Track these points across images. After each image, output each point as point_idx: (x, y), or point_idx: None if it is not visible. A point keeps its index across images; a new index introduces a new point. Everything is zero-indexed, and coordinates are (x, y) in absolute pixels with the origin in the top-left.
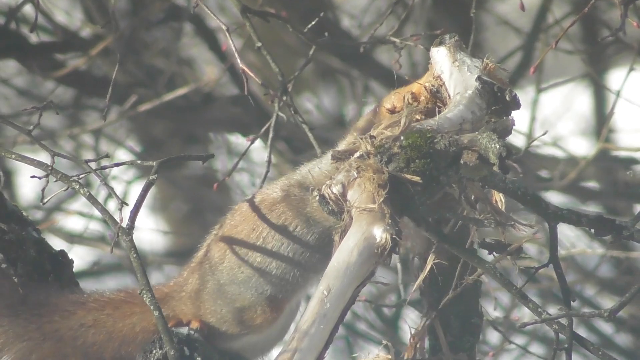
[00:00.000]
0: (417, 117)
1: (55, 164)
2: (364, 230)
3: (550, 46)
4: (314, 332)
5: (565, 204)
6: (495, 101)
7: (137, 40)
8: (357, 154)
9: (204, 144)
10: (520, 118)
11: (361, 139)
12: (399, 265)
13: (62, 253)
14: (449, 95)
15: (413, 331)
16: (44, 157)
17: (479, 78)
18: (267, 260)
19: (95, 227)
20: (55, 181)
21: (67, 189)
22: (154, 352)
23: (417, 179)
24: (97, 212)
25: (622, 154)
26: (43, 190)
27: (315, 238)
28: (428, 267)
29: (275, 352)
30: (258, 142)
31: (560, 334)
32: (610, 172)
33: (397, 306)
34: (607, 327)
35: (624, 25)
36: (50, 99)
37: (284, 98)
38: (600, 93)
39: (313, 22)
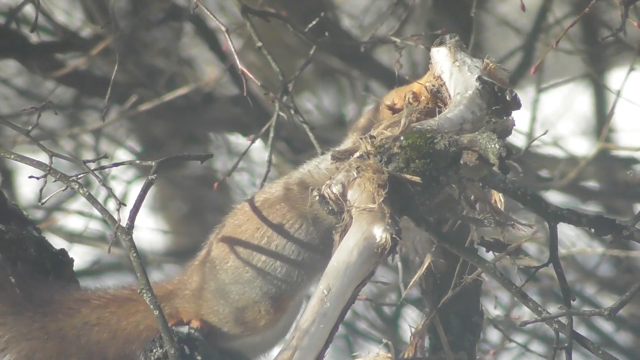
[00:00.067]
0: (417, 116)
1: (54, 164)
2: (364, 230)
3: (551, 46)
4: (314, 331)
5: (565, 204)
6: (496, 101)
7: (137, 40)
8: (357, 154)
9: (204, 144)
10: (520, 118)
11: (361, 139)
12: (399, 265)
13: (63, 252)
14: (449, 95)
15: (413, 330)
16: (44, 157)
17: (479, 78)
18: (272, 260)
19: (95, 226)
20: (55, 181)
21: (66, 188)
22: (154, 350)
23: (417, 179)
24: (96, 212)
25: (622, 153)
26: (41, 190)
27: (319, 236)
28: (425, 265)
29: (276, 350)
30: (258, 142)
31: (560, 333)
32: (610, 172)
33: (397, 305)
34: (607, 326)
35: (625, 25)
36: (49, 99)
37: (285, 98)
38: (600, 93)
39: (313, 22)
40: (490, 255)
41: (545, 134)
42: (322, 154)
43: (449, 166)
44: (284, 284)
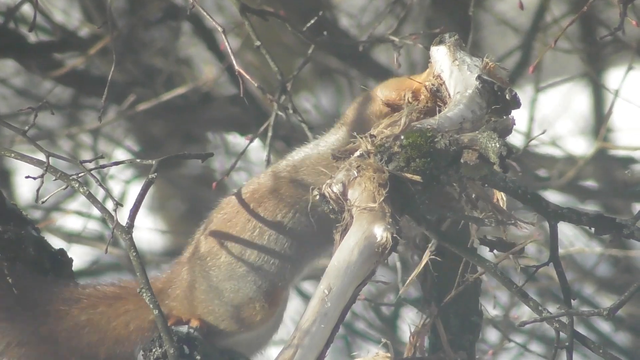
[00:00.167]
0: (416, 115)
1: (52, 164)
2: (364, 229)
3: (549, 45)
4: (315, 330)
5: (564, 204)
6: (496, 100)
7: (135, 39)
8: (357, 153)
9: (202, 144)
10: (519, 117)
11: (361, 138)
12: (398, 265)
13: (62, 252)
14: (449, 94)
15: (413, 329)
16: (42, 157)
17: (479, 77)
18: (265, 252)
19: (93, 226)
20: (55, 180)
21: (66, 187)
22: (154, 350)
23: (417, 178)
24: (95, 212)
25: (621, 153)
26: (38, 189)
27: (311, 224)
28: (423, 263)
29: (274, 351)
30: (256, 142)
31: (560, 332)
32: (609, 171)
33: (396, 305)
34: (605, 326)
35: (623, 24)
36: (46, 99)
37: (283, 97)
38: (598, 92)
39: (312, 22)
40: (488, 255)
41: (543, 133)
42: (314, 138)
43: (449, 165)
44: (277, 276)
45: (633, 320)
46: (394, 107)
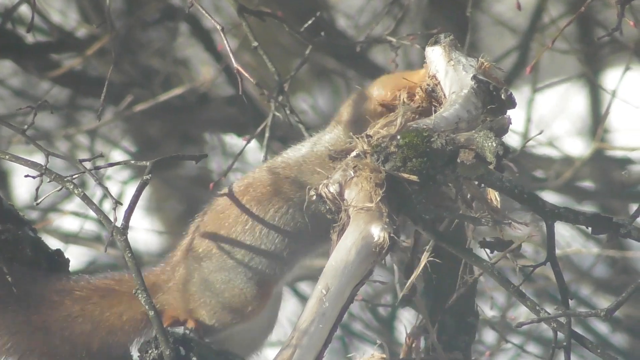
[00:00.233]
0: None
1: (50, 164)
2: (361, 229)
3: (547, 46)
4: (313, 330)
5: (561, 204)
6: (491, 100)
7: (132, 40)
8: (353, 153)
9: (200, 145)
10: (515, 118)
11: (358, 138)
12: (394, 266)
13: (59, 252)
14: (444, 95)
15: (409, 331)
16: (39, 157)
17: (474, 77)
18: (257, 243)
19: (90, 227)
20: (50, 181)
21: (61, 189)
22: (150, 352)
23: (414, 178)
24: (92, 213)
25: (617, 153)
26: (37, 190)
27: (304, 221)
28: (422, 264)
29: (268, 350)
30: (253, 143)
31: (558, 332)
32: (606, 172)
33: (392, 306)
34: (603, 327)
35: (621, 25)
36: (45, 99)
37: (280, 98)
38: (595, 93)
39: (309, 22)
40: (485, 255)
41: (540, 134)
42: (310, 135)
43: (446, 165)
44: (268, 269)
45: (630, 321)
46: (388, 107)
